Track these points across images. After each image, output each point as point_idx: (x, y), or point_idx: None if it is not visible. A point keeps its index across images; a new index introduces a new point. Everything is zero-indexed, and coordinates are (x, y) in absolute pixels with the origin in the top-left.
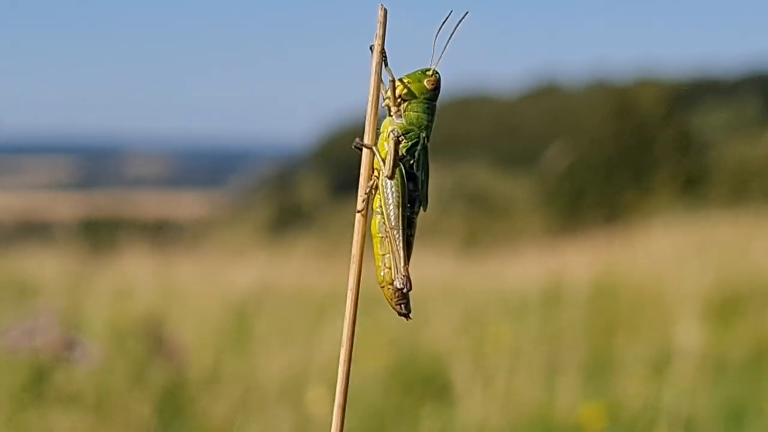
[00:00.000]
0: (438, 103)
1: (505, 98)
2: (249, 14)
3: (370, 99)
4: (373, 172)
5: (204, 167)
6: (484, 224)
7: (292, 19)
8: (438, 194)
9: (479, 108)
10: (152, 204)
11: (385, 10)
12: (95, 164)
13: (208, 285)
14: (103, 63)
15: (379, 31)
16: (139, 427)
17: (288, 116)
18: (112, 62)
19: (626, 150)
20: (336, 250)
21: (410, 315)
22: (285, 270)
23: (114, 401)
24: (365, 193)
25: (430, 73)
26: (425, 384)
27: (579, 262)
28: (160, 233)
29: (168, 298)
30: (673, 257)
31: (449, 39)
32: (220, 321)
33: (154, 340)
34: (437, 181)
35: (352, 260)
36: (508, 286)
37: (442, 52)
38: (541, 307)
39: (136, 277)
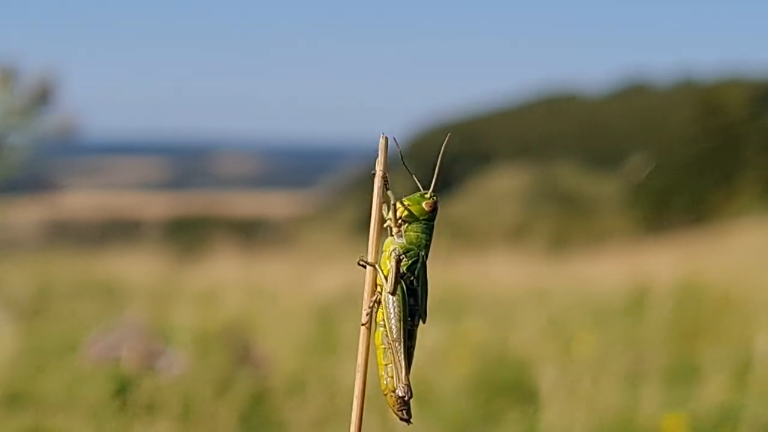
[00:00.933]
0: (522, 106)
1: (592, 98)
2: (341, 15)
3: (373, 220)
4: (376, 288)
5: (294, 167)
6: (570, 225)
7: (382, 19)
8: (525, 195)
9: (567, 107)
10: (243, 203)
11: (386, 139)
12: (187, 164)
13: (295, 287)
14: (195, 63)
15: (381, 158)
16: None
17: (378, 116)
18: (203, 62)
19: (713, 150)
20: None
21: (411, 420)
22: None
23: (200, 410)
24: (369, 308)
25: (428, 196)
26: (510, 390)
27: (664, 264)
28: (250, 232)
29: (255, 301)
30: (759, 259)
31: (438, 163)
32: (306, 326)
33: (239, 348)
34: (524, 181)
35: (357, 369)
36: (593, 289)
37: (437, 175)
38: (626, 310)
39: (224, 278)
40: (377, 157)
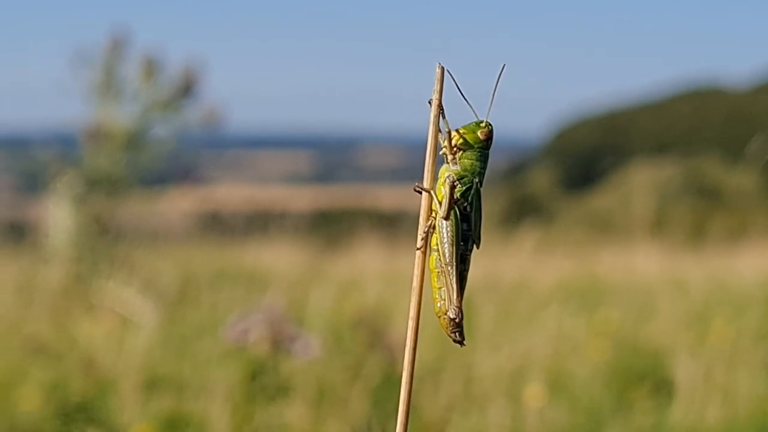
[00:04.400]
0: (665, 99)
1: (737, 91)
2: (482, 8)
3: (429, 147)
4: (431, 213)
5: (437, 159)
6: (711, 218)
7: (523, 13)
8: (667, 188)
9: (711, 101)
10: (386, 196)
11: (443, 68)
12: (331, 157)
13: None
14: (339, 56)
15: (437, 87)
16: (357, 420)
17: (521, 109)
18: (347, 55)
19: None
20: (565, 243)
21: (464, 342)
22: (512, 263)
23: (333, 393)
24: (424, 233)
25: (484, 125)
26: (645, 379)
27: None
28: (393, 225)
29: (394, 291)
30: None
31: (494, 93)
32: None
33: (374, 334)
34: (666, 175)
35: (412, 292)
36: (732, 280)
37: (491, 104)
38: (765, 302)
39: (365, 268)
40: (434, 86)
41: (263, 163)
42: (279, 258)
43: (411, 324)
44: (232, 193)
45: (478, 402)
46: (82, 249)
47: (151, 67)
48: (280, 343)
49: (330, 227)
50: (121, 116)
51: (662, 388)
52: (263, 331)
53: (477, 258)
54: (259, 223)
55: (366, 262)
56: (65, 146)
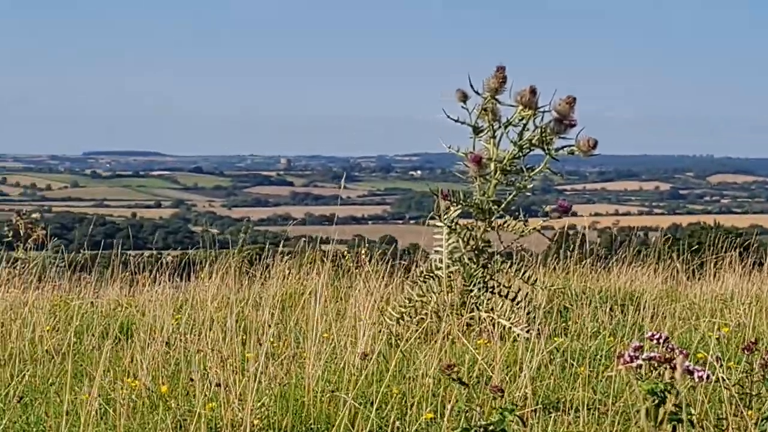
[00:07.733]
0: None
1: None
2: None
3: None
4: None
5: None
6: None
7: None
8: None
9: None
10: (743, 219)
11: None
12: (687, 183)
13: None
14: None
15: None
16: None
17: None
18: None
19: None
20: None
21: None
22: None
23: (726, 419)
24: None
25: None
26: None
27: None
28: (754, 247)
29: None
30: None
31: None
32: None
33: (763, 358)
34: None
35: None
36: None
37: None
38: None
39: (729, 290)
40: None
41: (621, 191)
42: (642, 280)
43: None
44: (594, 219)
45: None
46: (462, 271)
47: (530, 101)
48: (676, 368)
49: (691, 249)
50: (501, 147)
51: None
52: (660, 356)
53: None
54: (622, 247)
55: (731, 283)
56: (441, 174)
